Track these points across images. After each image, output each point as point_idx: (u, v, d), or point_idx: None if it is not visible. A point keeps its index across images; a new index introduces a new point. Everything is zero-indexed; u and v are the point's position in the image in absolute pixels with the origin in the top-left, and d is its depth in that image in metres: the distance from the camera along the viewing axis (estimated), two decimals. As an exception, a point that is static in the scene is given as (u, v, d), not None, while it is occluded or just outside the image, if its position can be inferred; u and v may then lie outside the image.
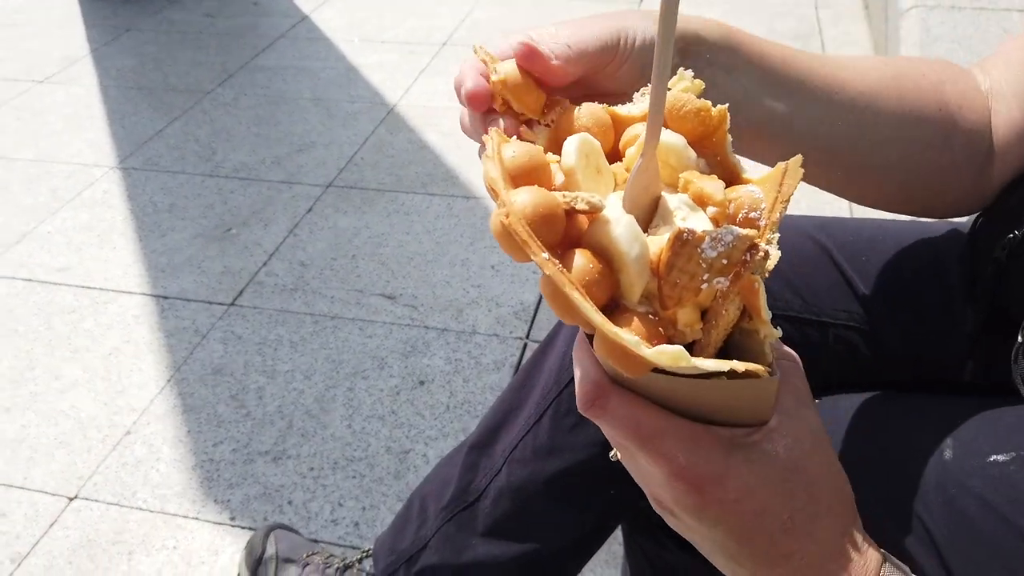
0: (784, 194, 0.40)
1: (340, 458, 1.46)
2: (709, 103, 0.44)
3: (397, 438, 1.49)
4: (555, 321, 0.96)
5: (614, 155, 0.45)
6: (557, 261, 0.36)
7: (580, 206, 0.37)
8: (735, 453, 0.39)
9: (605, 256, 0.38)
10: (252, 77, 2.87)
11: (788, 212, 0.82)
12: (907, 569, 0.44)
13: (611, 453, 0.45)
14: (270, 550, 1.16)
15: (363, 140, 2.46)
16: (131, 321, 1.80)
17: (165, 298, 1.87)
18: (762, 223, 0.39)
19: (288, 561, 1.13)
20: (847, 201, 2.02)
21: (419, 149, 2.40)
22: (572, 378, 0.64)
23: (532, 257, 0.36)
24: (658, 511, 0.44)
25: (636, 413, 0.39)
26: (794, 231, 0.79)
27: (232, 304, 1.84)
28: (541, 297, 1.78)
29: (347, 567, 1.08)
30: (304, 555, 1.14)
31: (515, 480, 0.85)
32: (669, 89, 0.44)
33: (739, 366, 0.36)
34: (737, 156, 0.45)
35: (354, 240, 2.03)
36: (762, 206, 0.40)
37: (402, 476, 1.42)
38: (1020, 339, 0.60)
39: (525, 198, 0.37)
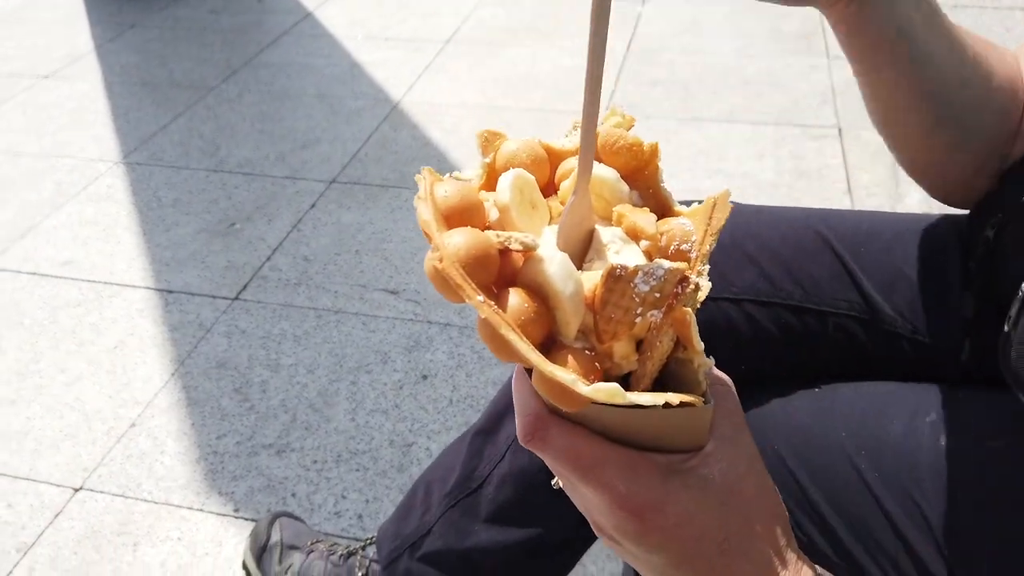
0: (713, 227, 0.41)
1: (344, 451, 1.47)
2: (641, 138, 0.44)
3: (400, 432, 1.50)
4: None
5: (549, 188, 0.45)
6: (492, 303, 0.36)
7: (514, 246, 0.38)
8: (673, 479, 0.40)
9: (540, 294, 0.38)
10: (256, 73, 2.88)
11: (790, 205, 0.83)
12: None
13: (552, 481, 0.46)
14: (275, 537, 1.17)
15: (367, 136, 2.47)
16: (135, 315, 1.81)
17: (169, 292, 1.88)
18: (693, 255, 0.40)
19: (293, 548, 1.14)
20: (848, 200, 2.03)
21: (423, 146, 2.41)
22: None
23: (467, 300, 0.36)
24: (601, 538, 0.44)
25: (576, 443, 0.40)
26: (796, 223, 0.80)
27: (236, 298, 1.85)
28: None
29: (351, 553, 1.09)
30: (308, 542, 1.15)
31: (518, 467, 0.86)
32: (602, 124, 0.45)
33: (673, 399, 0.37)
34: (668, 189, 0.45)
35: (357, 235, 2.04)
36: (693, 238, 0.40)
37: (405, 469, 1.43)
38: (1006, 328, 0.61)
39: (458, 240, 0.37)
